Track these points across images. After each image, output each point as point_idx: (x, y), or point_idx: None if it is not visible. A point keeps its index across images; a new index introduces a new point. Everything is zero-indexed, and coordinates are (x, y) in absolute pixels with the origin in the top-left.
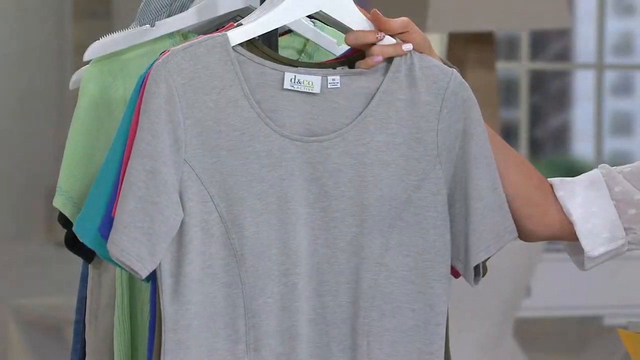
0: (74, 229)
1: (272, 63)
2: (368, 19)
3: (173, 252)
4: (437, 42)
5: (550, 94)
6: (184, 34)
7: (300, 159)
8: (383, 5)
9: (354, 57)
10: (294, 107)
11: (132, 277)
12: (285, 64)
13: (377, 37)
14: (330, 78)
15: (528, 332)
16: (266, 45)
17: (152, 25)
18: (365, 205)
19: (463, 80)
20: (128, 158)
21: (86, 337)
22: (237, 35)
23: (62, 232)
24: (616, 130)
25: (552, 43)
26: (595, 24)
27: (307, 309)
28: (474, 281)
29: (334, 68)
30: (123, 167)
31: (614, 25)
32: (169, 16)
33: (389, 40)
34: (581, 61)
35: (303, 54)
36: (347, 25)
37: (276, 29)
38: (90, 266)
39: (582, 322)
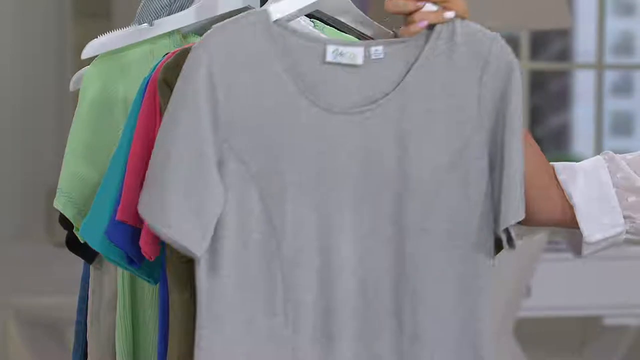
0: (80, 233)
1: (310, 35)
2: None
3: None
4: None
5: (550, 94)
6: (184, 35)
7: (342, 131)
8: (383, 5)
9: None
10: (335, 79)
11: (133, 278)
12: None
13: (417, 5)
14: (373, 49)
15: (528, 332)
16: None
17: (151, 25)
18: (408, 172)
19: (505, 44)
20: (132, 161)
21: (88, 337)
22: (278, 8)
23: (62, 232)
24: (616, 130)
25: (552, 43)
26: (595, 24)
27: (348, 280)
28: (509, 245)
29: None
30: (128, 170)
31: (614, 25)
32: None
33: (429, 7)
34: (581, 61)
35: None
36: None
37: None
38: (91, 267)
39: (582, 322)
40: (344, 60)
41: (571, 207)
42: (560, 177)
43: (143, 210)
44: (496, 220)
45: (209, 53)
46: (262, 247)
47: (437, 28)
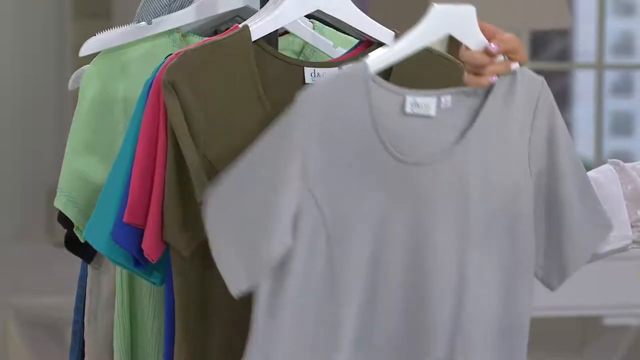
0: (84, 236)
1: (394, 87)
2: (483, 31)
3: (274, 268)
4: (437, 42)
5: None
6: (184, 35)
7: (412, 181)
8: (383, 6)
9: (361, 54)
10: (412, 130)
11: (131, 277)
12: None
13: (492, 60)
14: (443, 99)
15: (528, 332)
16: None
17: (149, 23)
18: (468, 221)
19: (547, 85)
20: (138, 162)
21: (85, 336)
22: (375, 62)
23: (62, 232)
24: (616, 130)
25: (552, 43)
26: (595, 24)
27: (391, 324)
28: (558, 285)
29: (349, 64)
30: (134, 171)
31: (614, 25)
32: None
33: (498, 58)
34: (581, 61)
35: (301, 56)
36: (347, 22)
37: (276, 30)
38: (89, 266)
39: (582, 322)
40: (420, 112)
41: None
42: None
43: (210, 223)
44: (561, 263)
45: (311, 107)
46: (322, 291)
47: (501, 77)
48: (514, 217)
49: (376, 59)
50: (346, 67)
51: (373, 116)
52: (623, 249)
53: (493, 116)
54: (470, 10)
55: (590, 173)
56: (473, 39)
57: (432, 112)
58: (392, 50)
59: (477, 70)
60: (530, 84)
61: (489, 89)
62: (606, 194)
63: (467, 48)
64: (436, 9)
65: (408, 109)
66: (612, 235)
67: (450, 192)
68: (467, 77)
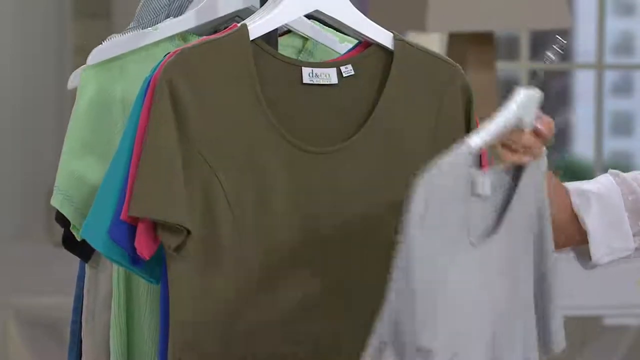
0: (81, 234)
1: (475, 170)
2: (542, 123)
3: None
4: (437, 42)
5: (550, 94)
6: (184, 36)
7: (478, 262)
8: (382, 6)
9: (360, 54)
10: (476, 213)
11: (128, 276)
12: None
13: (537, 143)
14: (490, 176)
15: None
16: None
17: (155, 29)
18: (515, 295)
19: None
20: (137, 160)
21: (82, 336)
22: (476, 143)
23: (61, 232)
24: (616, 130)
25: (552, 43)
26: (595, 24)
27: None
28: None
29: (347, 64)
30: (132, 167)
31: (614, 25)
32: (167, 16)
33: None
34: (581, 61)
35: (302, 53)
36: (347, 23)
37: (276, 30)
38: (87, 265)
39: (582, 322)
40: (480, 191)
41: (584, 231)
42: (574, 200)
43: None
44: (543, 346)
45: (422, 195)
46: None
47: (533, 161)
48: (529, 294)
49: (477, 140)
50: (454, 151)
51: (466, 204)
52: (625, 259)
53: (525, 197)
54: (537, 94)
55: (589, 184)
56: (529, 119)
57: (488, 192)
58: (489, 130)
59: (518, 148)
60: (542, 166)
61: (521, 169)
62: (608, 208)
63: (521, 130)
64: (522, 92)
65: (479, 191)
66: (613, 247)
67: (500, 268)
68: (503, 152)
